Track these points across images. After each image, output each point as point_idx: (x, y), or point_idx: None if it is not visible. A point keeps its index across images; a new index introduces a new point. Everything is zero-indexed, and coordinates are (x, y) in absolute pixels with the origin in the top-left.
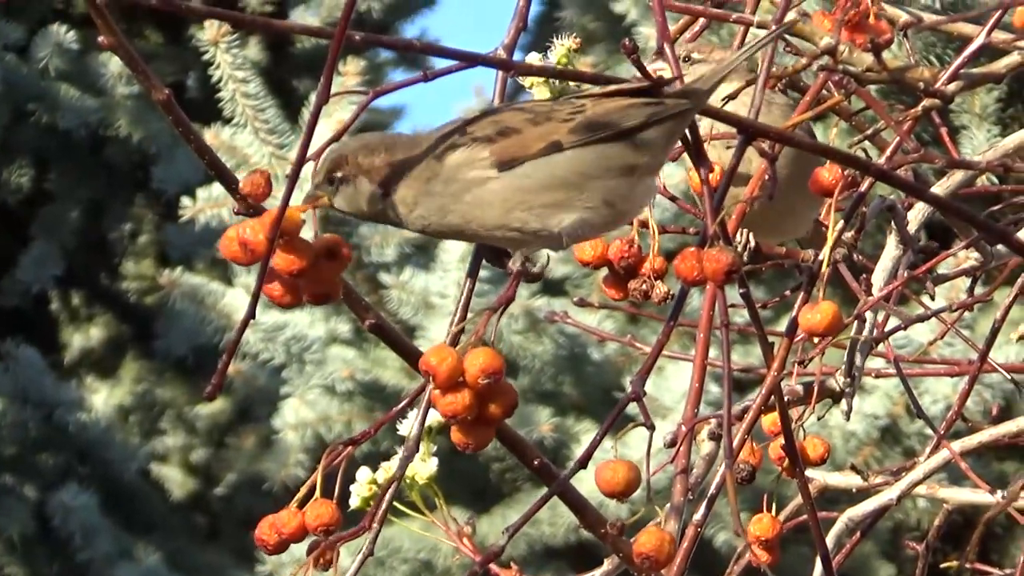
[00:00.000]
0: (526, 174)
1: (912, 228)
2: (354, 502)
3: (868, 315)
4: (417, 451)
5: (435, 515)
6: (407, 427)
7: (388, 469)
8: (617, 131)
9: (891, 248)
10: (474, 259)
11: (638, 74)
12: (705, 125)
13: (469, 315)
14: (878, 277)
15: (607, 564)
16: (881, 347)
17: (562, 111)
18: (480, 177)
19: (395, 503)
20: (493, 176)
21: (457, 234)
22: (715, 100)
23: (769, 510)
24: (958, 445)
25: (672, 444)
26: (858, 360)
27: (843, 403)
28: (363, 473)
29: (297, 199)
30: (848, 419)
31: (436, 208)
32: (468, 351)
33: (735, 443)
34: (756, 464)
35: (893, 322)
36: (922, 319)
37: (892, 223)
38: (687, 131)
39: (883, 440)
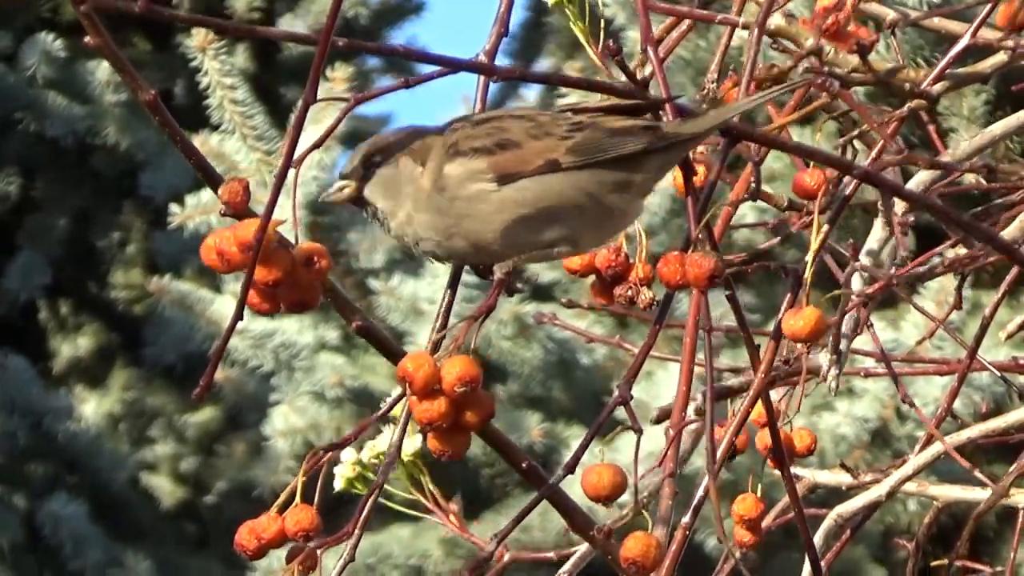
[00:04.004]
0: (523, 188)
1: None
2: (338, 484)
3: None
4: (399, 457)
5: (423, 498)
6: (386, 440)
7: (373, 448)
8: (611, 159)
9: (877, 230)
10: (454, 268)
11: (623, 77)
12: None
13: (453, 320)
14: (864, 260)
15: (573, 559)
16: (870, 346)
17: (561, 127)
18: (481, 191)
19: (382, 500)
20: (492, 189)
21: (456, 254)
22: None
23: (753, 492)
24: (948, 442)
25: (659, 421)
26: (843, 344)
27: (830, 379)
28: (347, 453)
29: (283, 204)
30: (835, 394)
31: (441, 226)
32: (446, 359)
33: (720, 450)
34: (741, 448)
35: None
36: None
37: (879, 205)
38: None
39: (873, 443)
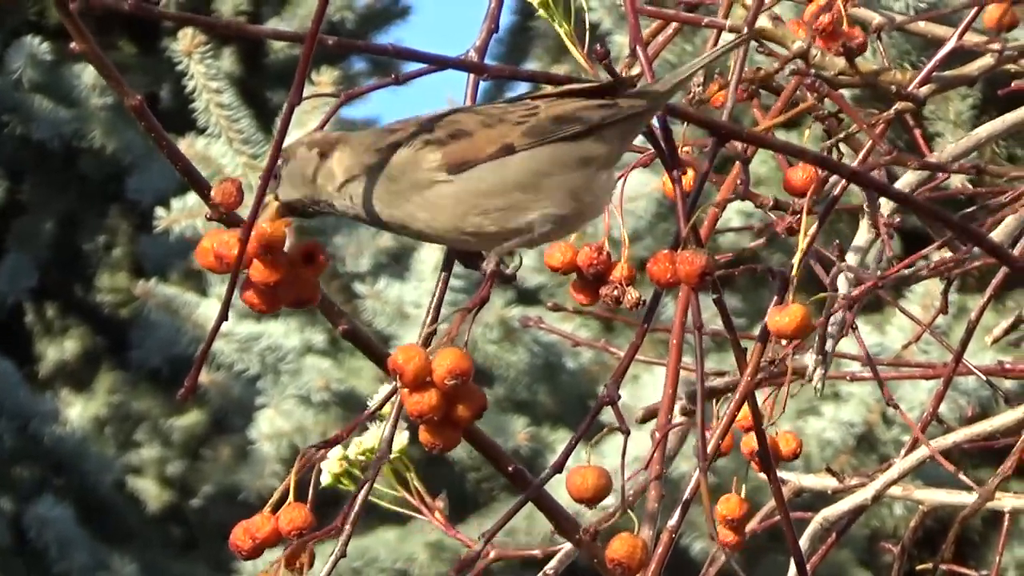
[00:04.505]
0: (479, 177)
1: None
2: (325, 479)
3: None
4: (388, 456)
5: (408, 495)
6: (373, 436)
7: (360, 444)
8: (568, 135)
9: (863, 231)
10: (446, 262)
11: (610, 78)
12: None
13: (444, 313)
14: (850, 259)
15: (559, 556)
16: (856, 350)
17: (515, 113)
18: (429, 180)
19: (371, 499)
20: (444, 179)
21: (399, 228)
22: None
23: (738, 493)
24: (933, 446)
25: (644, 420)
26: (829, 344)
27: (815, 380)
28: (334, 450)
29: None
30: (820, 395)
31: (377, 197)
32: (437, 351)
33: (710, 447)
34: (725, 450)
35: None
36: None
37: (865, 207)
38: (660, 133)
39: (859, 448)
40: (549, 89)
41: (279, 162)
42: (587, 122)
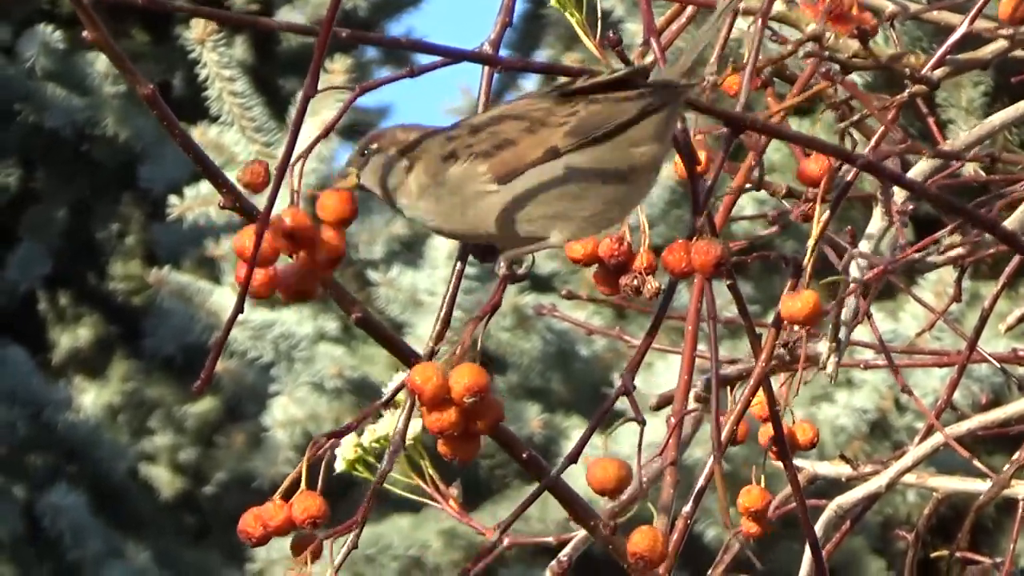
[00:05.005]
0: (525, 186)
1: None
2: (339, 466)
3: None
4: (403, 448)
5: (422, 482)
6: (386, 424)
7: (373, 431)
8: (612, 128)
9: (876, 219)
10: (460, 256)
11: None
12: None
13: (457, 314)
14: (863, 246)
15: (573, 543)
16: (870, 337)
17: (559, 114)
18: (481, 191)
19: (384, 486)
20: (493, 190)
21: (464, 237)
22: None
23: (758, 483)
24: (947, 433)
25: (659, 407)
26: (842, 333)
27: (829, 367)
28: (348, 437)
29: (284, 197)
30: (834, 382)
31: (442, 212)
32: (453, 368)
33: (724, 434)
34: (741, 438)
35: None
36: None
37: (878, 195)
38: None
39: (872, 434)
40: (580, 83)
41: (372, 144)
42: (628, 113)
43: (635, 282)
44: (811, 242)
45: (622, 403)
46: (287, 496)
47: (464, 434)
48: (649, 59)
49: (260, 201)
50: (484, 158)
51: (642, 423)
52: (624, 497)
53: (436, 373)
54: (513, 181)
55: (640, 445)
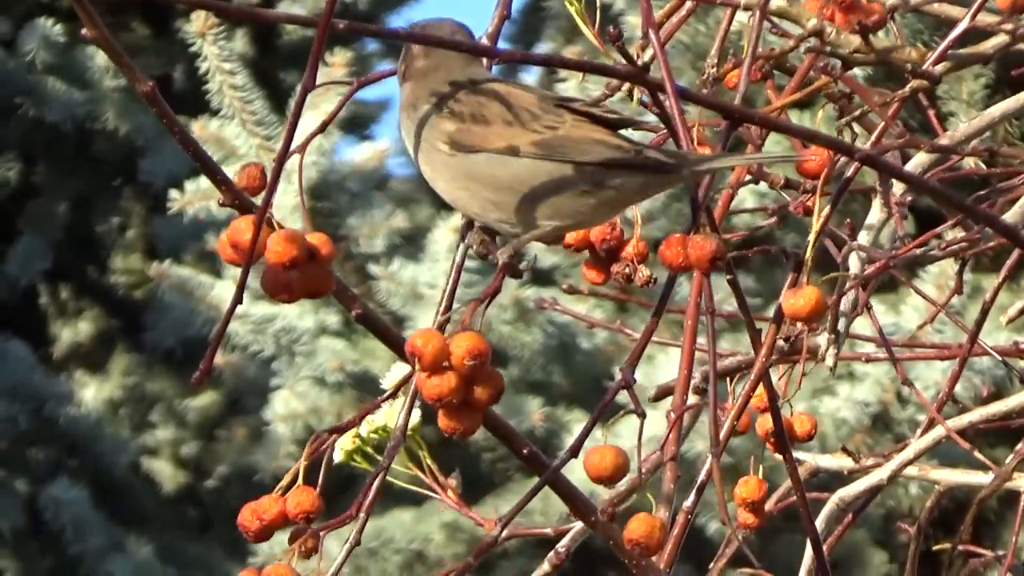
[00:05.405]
0: (476, 162)
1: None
2: (337, 456)
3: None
4: (404, 442)
5: (421, 474)
6: (385, 415)
7: (371, 423)
8: (573, 161)
9: (875, 211)
10: (461, 250)
11: (623, 60)
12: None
13: (456, 305)
14: (862, 239)
15: (571, 534)
16: (871, 331)
17: (541, 121)
18: (436, 147)
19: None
20: (447, 152)
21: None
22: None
23: (756, 474)
24: (949, 425)
25: (658, 398)
26: (841, 325)
27: (828, 359)
28: None
29: (283, 189)
30: (834, 374)
31: (408, 138)
32: (454, 335)
33: (723, 432)
34: (742, 429)
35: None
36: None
37: (877, 187)
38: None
39: (874, 427)
40: (582, 103)
41: (414, 50)
42: (593, 156)
43: (626, 270)
44: (811, 237)
45: (623, 396)
46: (288, 491)
47: (464, 404)
48: (648, 54)
49: (259, 197)
50: (456, 120)
51: (642, 416)
52: (622, 487)
53: (436, 337)
54: (468, 154)
55: (640, 437)
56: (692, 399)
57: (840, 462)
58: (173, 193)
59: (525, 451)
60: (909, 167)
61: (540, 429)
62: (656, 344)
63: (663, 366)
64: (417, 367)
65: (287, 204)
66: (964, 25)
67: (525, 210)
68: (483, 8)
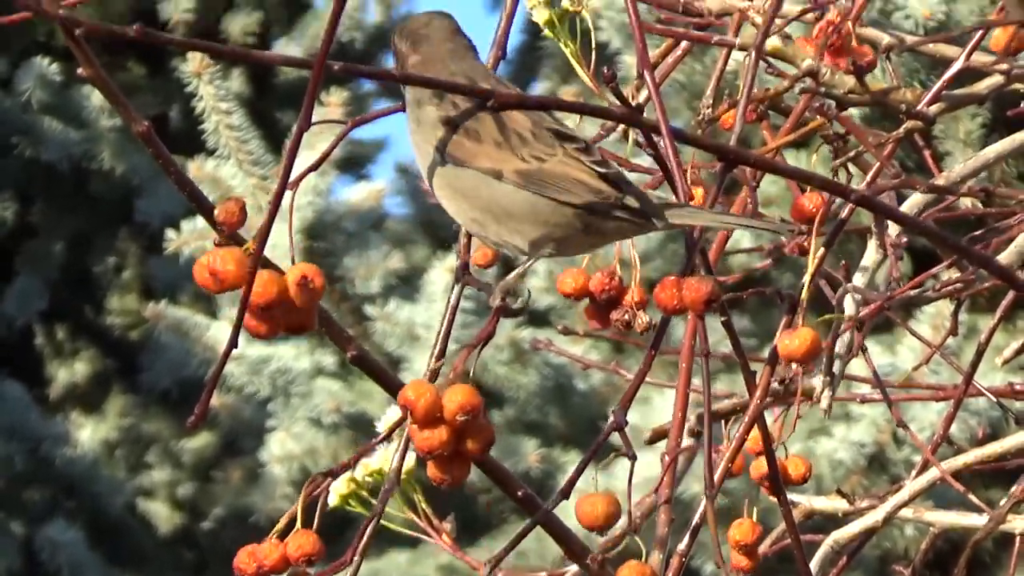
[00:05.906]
0: (462, 176)
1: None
2: (332, 500)
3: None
4: (398, 486)
5: (416, 517)
6: (380, 458)
7: (367, 466)
8: (552, 198)
9: (871, 252)
10: (456, 291)
11: (617, 102)
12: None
13: (453, 347)
14: (857, 280)
15: None
16: (867, 372)
17: (533, 150)
18: (429, 152)
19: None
20: (437, 159)
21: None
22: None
23: (749, 517)
24: (944, 467)
25: (653, 441)
26: (837, 365)
27: (823, 401)
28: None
29: (279, 228)
30: (828, 416)
31: (412, 136)
32: (447, 387)
33: (718, 474)
34: (737, 471)
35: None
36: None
37: (872, 227)
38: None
39: (870, 468)
40: (578, 140)
41: (403, 49)
42: (573, 198)
43: (626, 317)
44: (807, 278)
45: (618, 437)
46: (284, 535)
47: (454, 455)
48: (644, 95)
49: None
50: (450, 129)
51: (633, 458)
52: (616, 532)
53: (429, 390)
54: (455, 167)
55: (630, 480)
56: (687, 441)
57: (835, 504)
58: (169, 233)
59: (520, 493)
60: (905, 207)
61: (536, 470)
62: (652, 386)
63: (659, 408)
64: (409, 420)
65: (284, 244)
66: (958, 66)
67: (504, 233)
68: (479, 47)
